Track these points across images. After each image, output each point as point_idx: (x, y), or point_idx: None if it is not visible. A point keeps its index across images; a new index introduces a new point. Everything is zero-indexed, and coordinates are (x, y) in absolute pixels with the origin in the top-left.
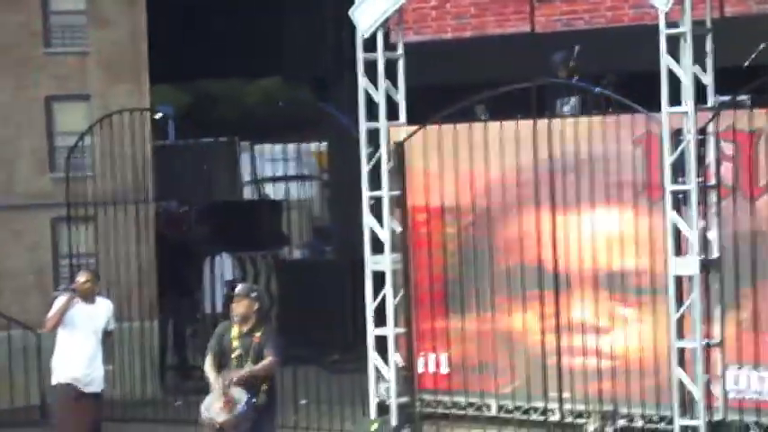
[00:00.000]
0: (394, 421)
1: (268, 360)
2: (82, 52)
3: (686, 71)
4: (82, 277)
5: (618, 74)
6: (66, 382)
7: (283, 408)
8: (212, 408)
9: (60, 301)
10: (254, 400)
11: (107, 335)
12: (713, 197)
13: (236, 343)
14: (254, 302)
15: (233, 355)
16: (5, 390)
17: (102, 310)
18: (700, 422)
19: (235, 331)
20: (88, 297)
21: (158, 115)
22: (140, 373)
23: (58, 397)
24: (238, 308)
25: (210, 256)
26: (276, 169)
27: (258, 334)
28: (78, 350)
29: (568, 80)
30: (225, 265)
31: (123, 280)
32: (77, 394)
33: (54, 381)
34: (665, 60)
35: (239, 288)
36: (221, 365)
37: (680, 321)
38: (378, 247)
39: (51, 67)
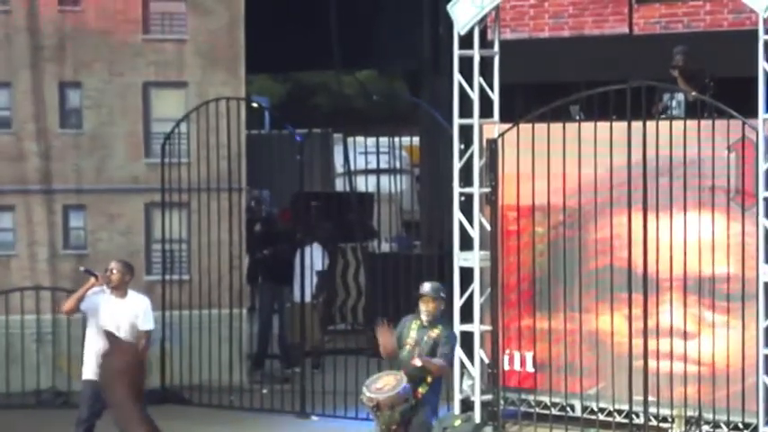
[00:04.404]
0: (477, 418)
1: (440, 362)
2: (180, 39)
3: None
4: (112, 267)
5: (715, 78)
6: (87, 378)
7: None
8: (372, 386)
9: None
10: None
11: (143, 334)
12: None
13: (412, 333)
14: (440, 303)
15: (406, 344)
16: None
17: (133, 306)
18: None
19: (415, 324)
20: (118, 289)
21: (254, 105)
22: (228, 361)
23: (82, 390)
24: (428, 307)
25: (301, 247)
26: (368, 162)
27: (437, 331)
28: (100, 345)
29: (671, 82)
30: (315, 255)
31: (213, 267)
32: (96, 388)
33: (83, 375)
34: (763, 65)
35: (428, 288)
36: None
37: None
38: (466, 243)
39: (149, 53)
